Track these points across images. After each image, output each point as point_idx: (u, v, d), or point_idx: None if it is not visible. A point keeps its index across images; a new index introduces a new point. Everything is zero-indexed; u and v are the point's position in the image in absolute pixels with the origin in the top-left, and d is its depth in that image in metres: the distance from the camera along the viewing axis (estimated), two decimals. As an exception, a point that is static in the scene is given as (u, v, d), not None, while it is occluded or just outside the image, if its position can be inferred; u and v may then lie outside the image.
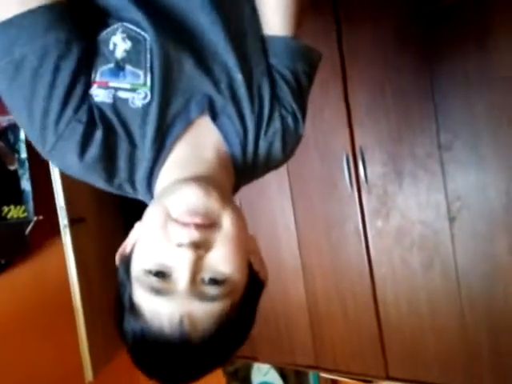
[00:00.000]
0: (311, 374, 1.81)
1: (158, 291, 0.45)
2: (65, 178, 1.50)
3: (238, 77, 0.56)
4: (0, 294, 1.85)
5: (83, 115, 0.49)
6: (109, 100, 0.50)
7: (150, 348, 0.46)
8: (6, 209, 1.59)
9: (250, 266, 0.52)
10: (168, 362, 0.47)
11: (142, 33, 0.50)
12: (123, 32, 0.50)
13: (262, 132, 0.60)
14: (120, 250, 0.54)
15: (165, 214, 0.46)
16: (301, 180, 1.52)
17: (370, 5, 1.33)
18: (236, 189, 0.63)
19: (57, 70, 0.46)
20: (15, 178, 1.62)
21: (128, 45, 0.50)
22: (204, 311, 0.46)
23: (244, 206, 1.65)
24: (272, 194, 1.59)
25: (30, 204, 1.63)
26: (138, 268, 0.47)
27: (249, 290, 0.51)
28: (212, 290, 0.46)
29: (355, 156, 1.41)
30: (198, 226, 0.45)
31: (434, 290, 1.34)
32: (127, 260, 0.50)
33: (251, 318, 0.54)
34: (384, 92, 1.34)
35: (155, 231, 0.46)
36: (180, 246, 0.44)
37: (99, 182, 0.55)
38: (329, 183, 1.46)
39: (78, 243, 1.56)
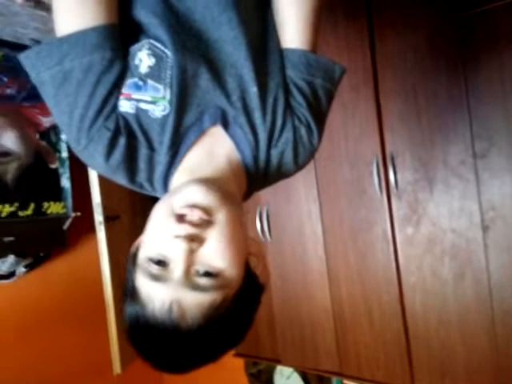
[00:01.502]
0: (334, 380, 1.79)
1: (155, 277, 0.50)
2: (101, 177, 1.57)
3: (253, 90, 0.60)
4: (37, 284, 1.95)
5: (111, 123, 0.56)
6: (132, 110, 0.56)
7: (143, 331, 0.50)
8: (46, 205, 1.67)
9: (248, 267, 0.55)
10: (158, 346, 0.50)
11: (165, 50, 0.56)
12: (149, 49, 0.56)
13: (274, 141, 0.63)
14: (133, 245, 0.59)
15: (169, 209, 0.51)
16: (329, 184, 1.52)
17: (403, 10, 1.32)
18: (248, 194, 0.66)
19: (97, 83, 0.54)
20: (56, 175, 1.71)
21: (152, 61, 0.56)
22: (194, 300, 0.49)
23: (271, 211, 1.67)
24: (299, 198, 1.59)
25: (69, 201, 1.72)
26: (142, 256, 0.52)
27: (244, 289, 0.53)
28: (204, 282, 0.50)
29: (385, 161, 1.39)
30: (192, 223, 0.49)
31: (464, 301, 1.30)
32: (136, 251, 0.55)
33: (246, 317, 0.56)
34: (416, 97, 1.32)
35: (159, 224, 0.52)
36: (176, 238, 0.49)
37: (122, 181, 0.61)
38: (357, 188, 1.45)
39: (112, 239, 1.62)
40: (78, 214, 1.74)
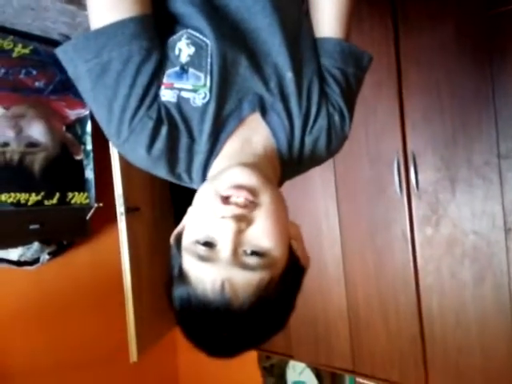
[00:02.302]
0: (347, 378, 1.79)
1: (203, 258, 0.50)
2: (124, 170, 1.61)
3: (288, 75, 0.60)
4: (60, 271, 2.01)
5: (154, 113, 0.55)
6: (173, 99, 0.56)
7: (196, 312, 0.50)
8: (70, 195, 1.72)
9: (290, 249, 0.55)
10: (211, 326, 0.50)
11: (204, 39, 0.56)
12: (188, 38, 0.57)
13: (309, 128, 0.64)
14: (174, 232, 0.59)
15: (213, 192, 0.51)
16: (348, 182, 1.51)
17: (429, 7, 1.29)
18: (281, 182, 0.67)
19: (138, 73, 0.54)
20: (80, 167, 1.76)
21: (191, 50, 0.56)
22: (244, 279, 0.49)
23: (288, 207, 1.66)
24: (317, 194, 1.59)
25: (92, 192, 1.76)
26: (188, 239, 0.52)
27: (288, 270, 0.54)
28: (252, 261, 0.50)
29: (407, 160, 1.37)
30: (238, 204, 0.50)
31: (483, 305, 1.28)
32: (179, 236, 0.55)
33: (290, 299, 0.56)
34: (440, 94, 1.30)
35: (204, 206, 0.52)
36: (224, 218, 0.49)
37: (162, 173, 0.61)
38: (377, 187, 1.44)
39: (132, 230, 1.66)
40: (101, 204, 1.78)
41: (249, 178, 0.51)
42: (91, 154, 1.77)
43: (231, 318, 0.49)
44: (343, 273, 1.55)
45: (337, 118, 0.65)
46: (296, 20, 0.63)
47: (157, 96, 0.56)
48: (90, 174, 1.77)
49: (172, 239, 0.58)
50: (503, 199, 1.22)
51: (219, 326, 0.50)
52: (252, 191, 0.50)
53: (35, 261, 1.86)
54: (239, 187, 0.50)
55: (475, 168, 1.26)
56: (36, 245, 1.78)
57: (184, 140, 0.58)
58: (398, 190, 1.38)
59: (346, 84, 0.65)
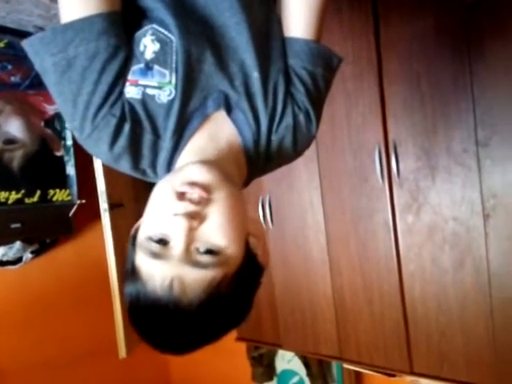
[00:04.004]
0: (334, 365, 1.83)
1: (155, 255, 0.50)
2: (106, 166, 1.59)
3: (254, 74, 0.60)
4: (44, 270, 1.99)
5: (117, 110, 0.56)
6: (138, 96, 0.56)
7: (144, 308, 0.50)
8: (51, 192, 1.70)
9: (248, 247, 0.55)
10: (160, 324, 0.50)
11: (169, 35, 0.56)
12: (153, 34, 0.56)
13: (275, 126, 0.64)
14: (134, 227, 0.59)
15: (168, 188, 0.51)
16: (331, 172, 1.53)
17: (408, -3, 1.30)
18: (248, 180, 0.67)
19: (103, 70, 0.54)
20: (61, 163, 1.73)
21: (157, 46, 0.56)
22: (195, 277, 0.49)
23: (273, 199, 1.68)
24: (302, 186, 1.60)
25: (74, 188, 1.74)
26: (142, 236, 0.52)
27: (244, 268, 0.53)
28: (204, 259, 0.50)
29: (388, 149, 1.40)
30: (192, 201, 0.49)
31: (463, 289, 1.32)
32: (135, 232, 0.55)
33: (245, 297, 0.55)
34: (420, 85, 1.32)
35: (159, 202, 0.52)
36: (176, 215, 0.49)
37: (125, 168, 0.62)
38: (359, 176, 1.46)
39: (116, 226, 1.64)
40: (83, 201, 1.76)
41: (204, 175, 0.51)
42: (72, 150, 1.74)
43: (180, 316, 0.49)
44: (328, 262, 1.58)
45: (302, 118, 0.65)
46: (265, 19, 0.63)
47: (121, 93, 0.56)
48: (71, 170, 1.74)
49: (130, 234, 0.58)
50: (481, 186, 1.25)
51: (168, 324, 0.50)
52: (206, 188, 0.50)
53: (18, 260, 1.83)
54: (193, 184, 0.50)
55: (454, 156, 1.29)
56: (18, 244, 1.75)
57: (148, 137, 0.58)
58: (379, 179, 1.40)
59: (313, 85, 0.65)
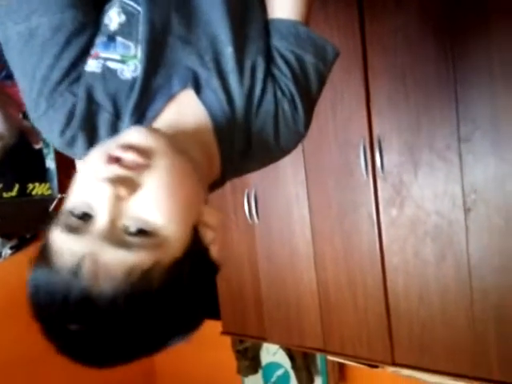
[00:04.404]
0: (319, 357, 1.85)
1: (72, 229, 0.40)
2: (87, 157, 1.55)
3: (228, 50, 0.53)
4: (24, 266, 1.95)
5: (77, 88, 0.52)
6: (98, 70, 0.52)
7: (43, 297, 0.40)
8: (31, 186, 1.65)
9: (196, 236, 0.45)
10: (58, 320, 0.39)
11: (137, 7, 0.52)
12: (119, 7, 0.52)
13: (253, 110, 0.56)
14: None
15: (102, 152, 0.42)
16: (317, 167, 1.53)
17: (394, -9, 1.30)
18: (223, 176, 0.58)
19: (67, 44, 0.50)
20: (40, 156, 1.69)
21: (122, 18, 0.52)
22: (113, 258, 0.38)
23: (259, 193, 1.67)
24: (287, 180, 1.60)
25: (54, 182, 1.70)
26: (63, 209, 0.43)
27: (186, 260, 0.43)
28: (131, 239, 0.40)
29: (372, 144, 1.40)
30: (123, 164, 0.40)
31: (445, 281, 1.35)
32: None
33: (185, 301, 0.43)
34: (405, 80, 1.32)
35: (86, 169, 0.43)
36: (102, 181, 0.39)
37: (80, 152, 0.55)
38: (344, 170, 1.47)
39: (99, 221, 1.62)
40: (64, 195, 1.72)
41: (143, 137, 0.42)
42: (43, 135, 1.70)
43: (85, 308, 0.37)
44: (313, 256, 1.59)
45: (286, 106, 0.56)
46: None
47: (83, 73, 0.52)
48: (51, 163, 1.70)
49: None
50: (463, 180, 1.27)
51: (68, 317, 0.38)
52: (144, 153, 0.41)
53: (-4, 256, 1.78)
54: (128, 147, 0.41)
55: (437, 151, 1.31)
56: (-4, 239, 1.71)
57: (106, 116, 0.53)
58: (364, 173, 1.41)
59: (301, 72, 0.57)
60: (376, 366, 1.60)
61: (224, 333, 1.90)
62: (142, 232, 0.40)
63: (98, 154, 0.43)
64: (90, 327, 0.38)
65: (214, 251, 0.48)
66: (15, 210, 1.61)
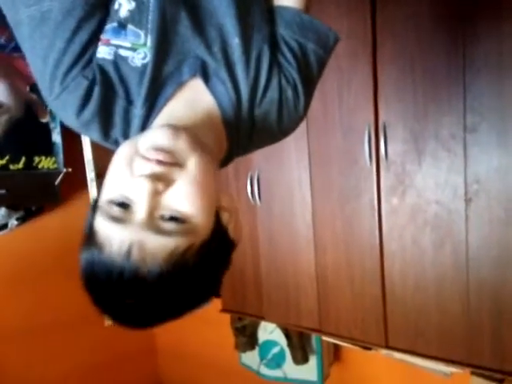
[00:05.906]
0: (314, 337, 1.90)
1: (115, 219, 0.46)
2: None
3: (235, 41, 0.55)
4: (30, 237, 1.98)
5: (90, 72, 0.53)
6: (110, 57, 0.53)
7: (98, 275, 0.46)
8: (37, 159, 1.67)
9: (219, 220, 0.52)
10: (116, 293, 0.46)
11: None
12: None
13: (258, 100, 0.59)
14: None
15: (133, 150, 0.47)
16: (321, 152, 1.53)
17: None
18: (229, 158, 0.62)
19: (78, 28, 0.51)
20: (47, 130, 1.69)
21: (132, 5, 0.53)
22: (156, 244, 0.45)
23: (262, 176, 1.68)
24: (291, 164, 1.61)
25: (60, 156, 1.71)
26: (103, 199, 0.48)
27: (212, 241, 0.50)
28: (168, 226, 0.46)
29: (377, 131, 1.40)
30: (159, 162, 0.46)
31: (442, 270, 1.37)
32: (97, 196, 0.51)
33: (212, 273, 0.52)
34: (414, 68, 1.31)
35: (121, 164, 0.47)
36: (141, 177, 0.45)
37: (95, 136, 0.58)
38: (348, 157, 1.47)
39: (103, 197, 1.63)
40: (69, 169, 1.74)
41: (172, 140, 0.47)
42: (58, 117, 1.70)
43: (137, 286, 0.45)
44: (313, 239, 1.61)
45: (290, 93, 0.60)
46: None
47: (94, 56, 0.53)
48: (57, 137, 1.71)
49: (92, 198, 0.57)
50: (466, 171, 1.28)
51: (124, 293, 0.46)
52: (175, 155, 0.46)
53: (3, 226, 1.82)
54: (159, 149, 0.46)
55: (442, 141, 1.30)
56: (3, 210, 1.74)
57: (120, 103, 0.55)
58: (367, 160, 1.42)
59: (303, 59, 0.60)
60: (370, 348, 1.65)
61: (223, 310, 1.95)
62: (174, 219, 0.47)
63: (128, 151, 0.48)
64: (141, 300, 0.46)
65: (231, 230, 0.54)
66: (21, 182, 1.63)
